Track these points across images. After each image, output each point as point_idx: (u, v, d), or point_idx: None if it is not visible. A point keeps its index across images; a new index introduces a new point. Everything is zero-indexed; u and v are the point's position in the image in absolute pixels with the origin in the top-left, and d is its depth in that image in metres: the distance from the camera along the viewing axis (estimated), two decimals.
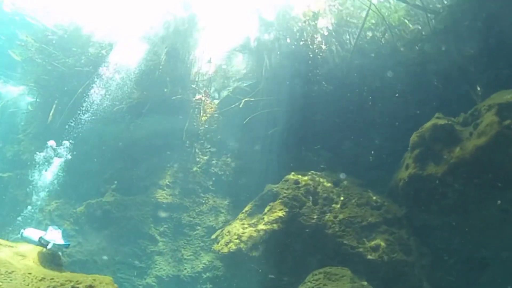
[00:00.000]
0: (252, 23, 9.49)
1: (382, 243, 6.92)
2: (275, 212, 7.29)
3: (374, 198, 7.61)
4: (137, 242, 9.21)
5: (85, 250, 9.00)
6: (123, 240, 9.24)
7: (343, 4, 8.51)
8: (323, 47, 8.70)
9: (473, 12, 7.58)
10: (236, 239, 7.28)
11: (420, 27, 8.44)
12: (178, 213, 9.55)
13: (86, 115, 9.50)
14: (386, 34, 8.53)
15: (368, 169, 8.49)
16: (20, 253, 5.07)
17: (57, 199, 10.04)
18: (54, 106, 10.13)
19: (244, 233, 7.30)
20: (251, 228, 7.33)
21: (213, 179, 9.97)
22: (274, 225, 7.16)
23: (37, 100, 11.11)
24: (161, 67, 9.67)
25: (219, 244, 7.54)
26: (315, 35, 8.77)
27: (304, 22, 8.60)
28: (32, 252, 5.21)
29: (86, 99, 9.61)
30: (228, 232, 7.58)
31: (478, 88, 7.74)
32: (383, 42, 8.60)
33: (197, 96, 10.20)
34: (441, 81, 8.17)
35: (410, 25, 8.49)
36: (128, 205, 9.52)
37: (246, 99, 9.40)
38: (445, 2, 8.15)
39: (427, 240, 7.13)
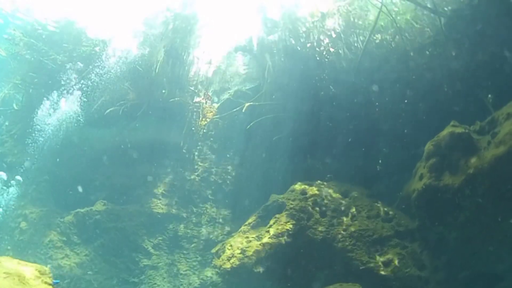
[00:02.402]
0: (256, 23, 9.07)
1: (394, 258, 6.63)
2: (281, 224, 6.87)
3: (385, 209, 7.29)
4: (129, 255, 8.70)
5: (73, 263, 8.46)
6: (114, 252, 8.72)
7: (352, 4, 8.17)
8: (331, 49, 8.34)
9: (485, 16, 7.39)
10: (240, 253, 6.82)
11: (430, 31, 8.20)
12: (174, 224, 9.06)
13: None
14: (396, 38, 8.24)
15: (375, 179, 8.14)
16: (5, 270, 4.55)
17: (42, 207, 9.42)
18: (42, 105, 9.52)
19: (248, 247, 6.84)
20: (256, 242, 6.87)
21: (213, 188, 9.52)
22: (281, 238, 6.74)
23: (23, 98, 10.46)
24: (158, 66, 9.18)
25: (220, 259, 7.04)
26: (322, 37, 8.41)
27: (312, 23, 8.22)
28: (18, 268, 4.69)
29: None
30: (231, 245, 7.10)
31: (490, 95, 7.54)
32: (392, 45, 8.30)
33: (196, 99, 9.74)
34: (452, 87, 7.93)
35: (420, 28, 8.22)
36: (120, 215, 9.00)
37: (249, 103, 8.97)
38: (456, 6, 7.92)
39: (441, 254, 6.81)
